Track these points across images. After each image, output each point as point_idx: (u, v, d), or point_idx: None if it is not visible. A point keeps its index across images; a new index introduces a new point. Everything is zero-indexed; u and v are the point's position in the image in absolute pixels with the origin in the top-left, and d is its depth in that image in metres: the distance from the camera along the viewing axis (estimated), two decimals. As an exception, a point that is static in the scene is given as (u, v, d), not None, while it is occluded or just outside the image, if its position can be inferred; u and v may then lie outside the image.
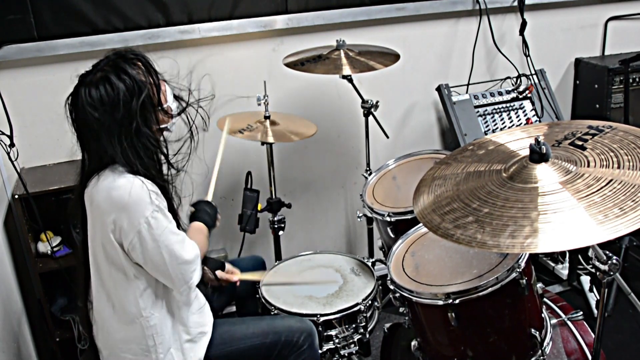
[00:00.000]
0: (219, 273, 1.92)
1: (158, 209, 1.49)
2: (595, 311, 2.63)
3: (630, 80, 2.93)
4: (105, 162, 1.51)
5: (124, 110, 1.47)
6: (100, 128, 1.47)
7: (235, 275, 1.97)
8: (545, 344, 1.59)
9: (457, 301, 1.52)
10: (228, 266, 1.97)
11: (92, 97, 1.46)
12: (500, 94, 2.88)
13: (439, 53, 2.92)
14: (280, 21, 2.57)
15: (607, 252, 1.34)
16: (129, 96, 1.47)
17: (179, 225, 1.62)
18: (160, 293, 1.60)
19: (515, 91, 2.87)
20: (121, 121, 1.47)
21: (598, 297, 2.61)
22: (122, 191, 1.46)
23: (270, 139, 2.26)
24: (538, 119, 2.86)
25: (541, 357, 1.57)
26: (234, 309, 2.27)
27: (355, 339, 1.94)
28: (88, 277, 1.64)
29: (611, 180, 1.20)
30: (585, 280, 2.79)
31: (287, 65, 2.35)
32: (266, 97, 2.31)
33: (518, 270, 1.51)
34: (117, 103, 1.46)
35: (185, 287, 1.57)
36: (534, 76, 2.91)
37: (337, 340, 1.93)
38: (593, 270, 1.36)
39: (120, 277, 1.55)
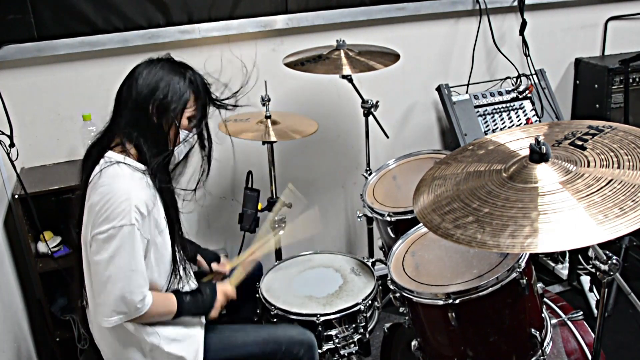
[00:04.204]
0: (214, 266, 1.94)
1: (138, 221, 1.47)
2: (595, 311, 2.63)
3: (630, 80, 2.93)
4: (114, 142, 1.56)
5: (164, 101, 1.55)
6: (131, 101, 1.55)
7: (228, 266, 1.97)
8: (545, 343, 1.59)
9: (457, 301, 1.52)
10: (223, 259, 1.97)
11: (140, 78, 1.56)
12: (500, 94, 2.87)
13: (439, 53, 2.92)
14: (280, 21, 2.57)
15: (607, 252, 1.34)
16: (175, 91, 1.57)
17: (179, 230, 1.63)
18: (157, 287, 1.60)
19: (515, 91, 2.86)
20: (156, 109, 1.55)
21: (598, 297, 2.61)
22: (103, 194, 1.47)
23: (273, 138, 2.26)
24: (538, 119, 2.86)
25: (541, 357, 1.57)
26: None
27: (355, 339, 1.94)
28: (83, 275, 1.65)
29: (611, 180, 1.20)
30: (585, 280, 2.79)
31: (287, 65, 2.35)
32: (268, 97, 2.32)
33: (518, 270, 1.51)
34: (156, 89, 1.55)
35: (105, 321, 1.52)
36: (534, 76, 2.91)
37: (337, 340, 1.93)
38: (593, 270, 1.36)
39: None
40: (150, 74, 1.56)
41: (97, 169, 1.53)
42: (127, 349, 1.61)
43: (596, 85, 3.04)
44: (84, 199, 1.57)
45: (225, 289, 1.79)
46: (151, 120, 1.56)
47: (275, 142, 2.33)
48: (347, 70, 2.28)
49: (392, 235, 2.16)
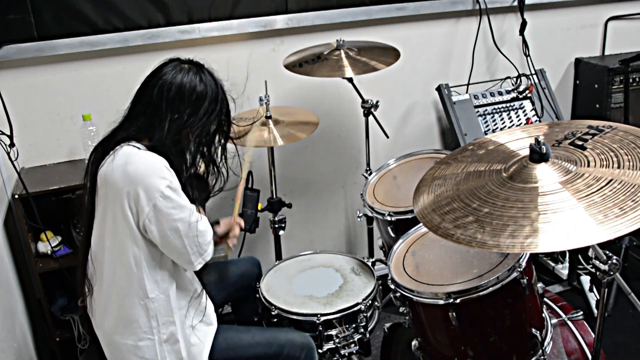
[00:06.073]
0: (217, 229, 1.93)
1: (171, 184, 1.51)
2: (595, 311, 2.63)
3: (630, 80, 2.93)
4: (129, 137, 1.56)
5: (195, 105, 1.57)
6: (162, 105, 1.55)
7: (233, 224, 1.96)
8: (545, 343, 1.60)
9: (457, 301, 1.52)
10: (222, 220, 1.97)
11: (177, 77, 1.56)
12: (500, 94, 2.87)
13: (439, 53, 2.92)
14: (280, 21, 2.57)
15: (607, 252, 1.34)
16: (209, 99, 1.59)
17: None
18: (167, 275, 1.61)
19: (515, 91, 2.86)
20: (185, 112, 1.56)
21: (598, 297, 2.61)
22: (137, 165, 1.50)
23: (280, 142, 2.25)
24: (538, 119, 2.86)
25: (541, 357, 1.57)
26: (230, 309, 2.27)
27: (356, 339, 1.94)
28: (87, 267, 1.65)
29: (611, 180, 1.20)
30: (585, 280, 2.79)
31: (287, 67, 2.35)
32: (267, 97, 2.31)
33: (519, 269, 1.51)
34: (195, 96, 1.57)
35: (200, 260, 1.62)
36: (534, 76, 2.91)
37: (337, 340, 1.93)
38: (593, 270, 1.36)
39: (129, 258, 1.55)
40: (182, 78, 1.57)
41: (117, 150, 1.53)
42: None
43: (596, 85, 3.04)
44: (93, 190, 1.57)
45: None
46: (178, 125, 1.56)
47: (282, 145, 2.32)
48: (348, 73, 2.26)
49: (393, 235, 2.16)
